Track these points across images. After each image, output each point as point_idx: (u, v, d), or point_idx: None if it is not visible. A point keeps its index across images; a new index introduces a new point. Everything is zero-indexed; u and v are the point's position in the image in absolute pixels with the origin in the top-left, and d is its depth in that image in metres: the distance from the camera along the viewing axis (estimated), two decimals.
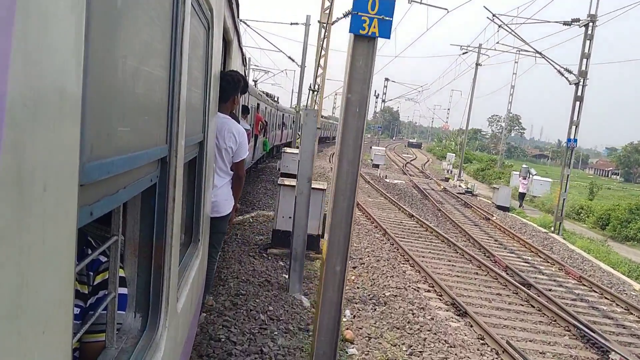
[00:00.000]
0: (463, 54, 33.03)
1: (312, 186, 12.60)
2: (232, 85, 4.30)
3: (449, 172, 42.65)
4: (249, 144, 4.86)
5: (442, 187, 28.94)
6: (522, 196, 27.01)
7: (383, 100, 72.15)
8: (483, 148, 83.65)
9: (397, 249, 12.53)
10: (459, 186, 31.09)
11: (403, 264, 11.44)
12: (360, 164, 4.26)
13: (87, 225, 1.78)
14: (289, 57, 27.06)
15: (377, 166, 37.57)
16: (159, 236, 1.74)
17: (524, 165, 29.19)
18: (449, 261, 12.30)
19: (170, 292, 1.84)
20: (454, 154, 56.14)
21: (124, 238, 1.68)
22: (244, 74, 5.98)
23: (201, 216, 2.78)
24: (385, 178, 29.22)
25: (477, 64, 36.73)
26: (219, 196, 4.07)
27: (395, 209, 18.92)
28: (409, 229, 15.46)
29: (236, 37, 5.50)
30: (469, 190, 28.17)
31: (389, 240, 13.39)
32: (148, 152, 1.52)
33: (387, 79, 71.20)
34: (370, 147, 46.48)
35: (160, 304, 1.76)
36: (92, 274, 1.71)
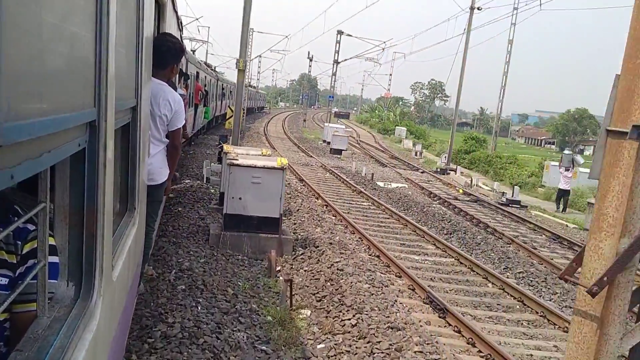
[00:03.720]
0: None
1: (269, 165, 8.40)
2: (173, 53, 4.21)
3: (419, 154, 34.50)
4: (187, 112, 4.78)
5: (460, 190, 20.00)
6: (564, 195, 19.28)
7: (336, 61, 48.99)
8: (402, 116, 78.55)
9: None
10: (476, 185, 22.81)
11: None
12: None
13: (14, 194, 1.74)
14: None
15: (337, 152, 27.35)
16: (90, 203, 1.69)
17: (567, 152, 20.78)
18: None
19: (104, 260, 1.81)
20: (405, 129, 51.56)
21: (53, 205, 1.64)
22: (180, 39, 5.82)
23: (136, 184, 2.72)
24: (373, 179, 20.01)
25: (472, 8, 27.86)
26: (154, 164, 3.99)
27: (490, 288, 8.69)
28: None
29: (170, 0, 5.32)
30: (512, 199, 18.57)
31: None
32: (74, 115, 1.47)
33: (340, 32, 47.83)
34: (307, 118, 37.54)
35: (94, 272, 1.73)
36: (20, 243, 1.68)
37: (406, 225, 12.33)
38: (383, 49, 48.62)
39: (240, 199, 8.49)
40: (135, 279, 3.17)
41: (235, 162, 8.43)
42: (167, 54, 4.11)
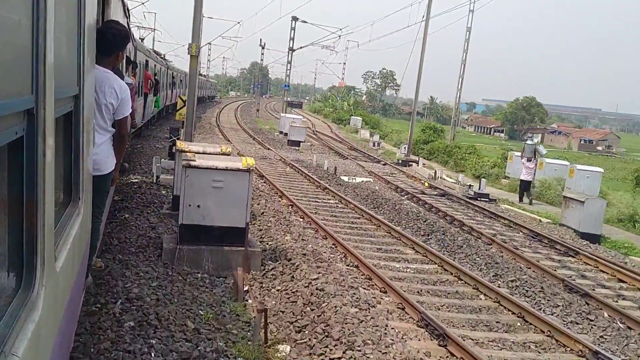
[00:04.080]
0: None
1: (233, 167, 7.15)
2: (119, 40, 4.14)
3: (377, 145, 33.51)
4: (136, 101, 4.71)
5: (425, 184, 19.29)
6: (526, 187, 18.21)
7: (291, 49, 46.88)
8: (356, 106, 75.05)
9: None
10: (441, 178, 21.95)
11: None
12: None
13: None
14: None
15: (295, 144, 26.32)
16: (30, 192, 1.67)
17: (529, 142, 18.90)
18: None
19: (46, 251, 1.79)
20: (360, 118, 51.09)
21: None
22: (127, 26, 5.70)
23: (80, 174, 2.68)
24: (336, 173, 19.04)
25: None
26: (99, 154, 3.91)
27: (484, 301, 7.91)
28: None
29: None
30: (479, 192, 17.68)
31: None
32: (9, 102, 1.45)
33: (295, 19, 45.43)
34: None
35: (36, 263, 1.72)
36: None
37: (379, 226, 11.40)
38: (339, 36, 47.75)
39: (198, 206, 7.12)
40: (82, 270, 3.12)
41: (192, 163, 7.04)
42: (113, 41, 4.03)
